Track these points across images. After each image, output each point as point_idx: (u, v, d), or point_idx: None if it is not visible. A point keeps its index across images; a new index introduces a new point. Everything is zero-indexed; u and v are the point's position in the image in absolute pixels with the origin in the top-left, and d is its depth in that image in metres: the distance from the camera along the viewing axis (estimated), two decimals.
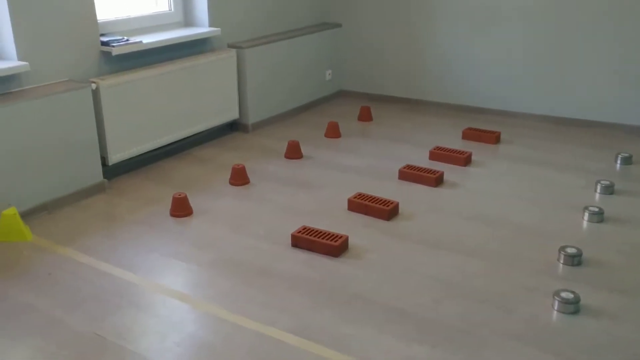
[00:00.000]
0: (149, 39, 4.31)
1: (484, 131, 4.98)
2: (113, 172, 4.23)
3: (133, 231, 3.51)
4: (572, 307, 2.70)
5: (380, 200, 3.68)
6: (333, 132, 5.10)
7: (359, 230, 3.46)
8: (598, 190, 3.94)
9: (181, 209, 3.68)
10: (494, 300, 2.82)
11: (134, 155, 4.28)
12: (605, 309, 2.73)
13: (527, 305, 2.77)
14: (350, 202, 3.73)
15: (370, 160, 4.57)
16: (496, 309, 2.75)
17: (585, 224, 3.55)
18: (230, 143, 5.02)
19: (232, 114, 5.10)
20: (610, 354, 2.45)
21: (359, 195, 3.77)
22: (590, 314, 2.70)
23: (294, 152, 4.61)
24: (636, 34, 4.87)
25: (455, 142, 4.89)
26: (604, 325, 2.63)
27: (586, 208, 3.60)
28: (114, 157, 4.10)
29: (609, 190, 3.92)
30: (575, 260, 3.08)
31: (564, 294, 2.73)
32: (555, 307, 2.72)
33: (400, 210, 3.69)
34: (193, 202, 3.78)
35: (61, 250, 3.29)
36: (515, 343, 2.52)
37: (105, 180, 4.05)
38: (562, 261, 3.11)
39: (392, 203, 3.65)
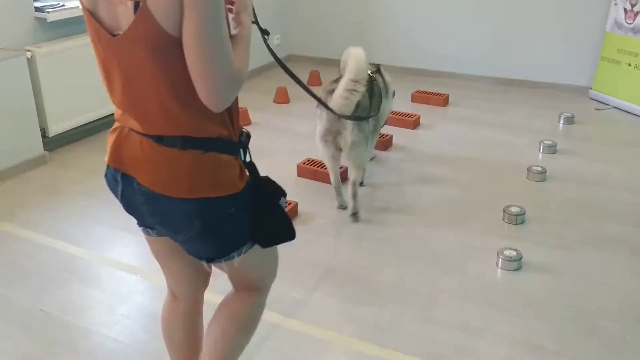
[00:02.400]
0: None
1: (433, 94, 5.02)
2: (55, 143, 4.09)
3: (78, 204, 3.42)
4: (515, 264, 2.78)
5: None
6: (282, 97, 5.06)
7: (308, 197, 3.46)
8: (541, 150, 4.03)
9: None
10: (442, 260, 2.88)
11: (77, 126, 4.15)
12: (546, 264, 2.83)
13: (473, 264, 2.84)
14: (299, 168, 3.72)
15: None
16: (443, 269, 2.80)
17: (528, 183, 3.64)
18: None
19: None
20: (551, 307, 2.54)
21: (308, 160, 3.76)
22: (532, 270, 2.79)
23: (242, 118, 4.54)
24: None
25: (404, 105, 4.90)
26: (545, 280, 2.72)
27: (530, 168, 3.68)
28: (55, 128, 3.96)
29: (551, 149, 4.02)
30: (518, 218, 3.17)
31: (507, 252, 2.81)
32: (500, 265, 2.80)
33: (349, 175, 3.70)
34: None
35: (1, 226, 3.19)
36: (462, 301, 2.58)
37: (47, 152, 3.92)
38: (506, 220, 3.19)
39: (340, 168, 3.65)
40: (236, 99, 1.45)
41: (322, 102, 2.61)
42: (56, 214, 3.31)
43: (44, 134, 3.91)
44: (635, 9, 4.58)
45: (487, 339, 2.35)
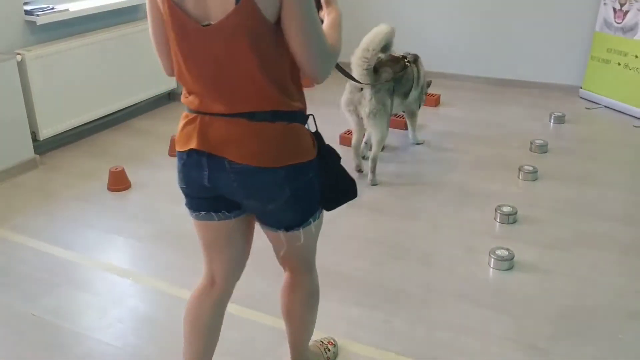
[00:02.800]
0: (76, 7, 4.12)
1: (426, 94, 5.02)
2: (46, 147, 4.07)
3: (69, 207, 3.41)
4: (507, 263, 2.79)
5: None
6: None
7: None
8: (532, 150, 4.05)
9: (119, 182, 3.59)
10: (433, 260, 2.89)
11: (67, 129, 4.13)
12: (538, 264, 2.84)
13: (465, 264, 2.85)
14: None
15: None
16: (436, 270, 2.81)
17: (520, 182, 3.66)
18: (168, 113, 4.91)
19: (169, 84, 4.96)
20: (543, 306, 2.55)
21: None
22: (524, 269, 2.80)
23: None
24: None
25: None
26: (537, 279, 2.74)
27: (521, 167, 3.70)
28: (45, 132, 3.94)
29: (542, 149, 4.04)
30: (510, 218, 3.18)
31: (499, 252, 2.82)
32: (492, 265, 2.81)
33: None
34: (131, 175, 3.69)
35: None
36: (453, 301, 2.59)
37: (37, 155, 3.91)
38: (498, 220, 3.20)
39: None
40: (299, 76, 1.64)
41: (343, 70, 2.72)
42: (48, 218, 3.30)
43: (34, 138, 3.89)
44: (625, 8, 4.61)
45: (480, 339, 2.36)
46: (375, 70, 3.49)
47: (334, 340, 2.30)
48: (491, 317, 2.49)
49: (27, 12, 3.86)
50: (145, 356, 2.30)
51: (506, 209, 3.20)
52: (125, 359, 2.30)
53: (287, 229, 1.72)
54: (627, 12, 4.60)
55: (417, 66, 3.93)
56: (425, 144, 4.20)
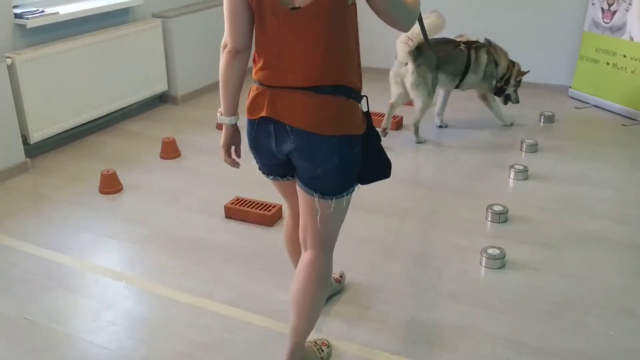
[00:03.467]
0: (66, 10, 4.11)
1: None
2: (36, 150, 4.06)
3: (61, 210, 3.40)
4: (499, 262, 2.81)
5: None
6: None
7: None
8: (523, 149, 4.08)
9: (110, 185, 3.58)
10: (426, 259, 2.90)
11: (58, 132, 4.12)
12: (529, 262, 2.86)
13: (457, 263, 2.86)
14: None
15: None
16: (428, 269, 2.83)
17: (511, 181, 3.68)
18: (160, 116, 4.91)
19: (161, 86, 4.97)
20: (534, 304, 2.57)
21: None
22: (515, 268, 2.82)
23: None
24: None
25: (386, 106, 4.92)
26: (529, 277, 2.76)
27: (512, 166, 3.72)
28: (36, 135, 3.93)
29: (533, 148, 4.07)
30: (501, 217, 3.20)
31: (490, 251, 2.84)
32: (483, 264, 2.83)
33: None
34: (123, 178, 3.68)
35: None
36: (446, 300, 2.61)
37: (28, 159, 3.89)
38: (489, 219, 3.22)
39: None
40: (359, 59, 1.88)
41: (424, 35, 2.78)
42: (40, 221, 3.29)
43: (25, 141, 3.88)
44: (612, 8, 4.65)
45: (472, 337, 2.38)
46: (419, 48, 3.99)
47: (328, 342, 2.31)
48: (483, 315, 2.50)
49: (16, 16, 3.85)
50: (139, 358, 2.29)
51: (497, 208, 3.22)
52: None
53: (323, 195, 1.90)
54: (615, 12, 4.64)
55: (477, 53, 4.27)
56: (415, 143, 4.22)
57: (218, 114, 1.98)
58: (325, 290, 2.09)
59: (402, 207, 3.40)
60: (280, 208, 3.26)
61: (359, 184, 1.98)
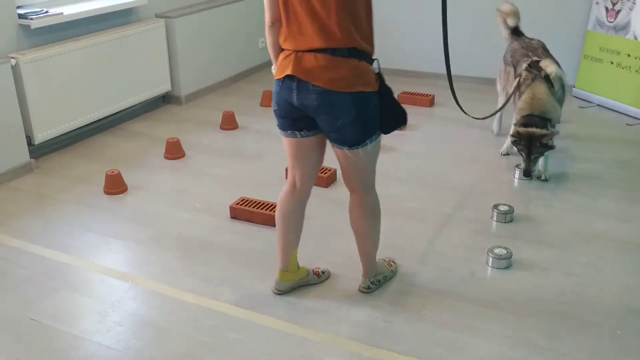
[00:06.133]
0: (70, 10, 4.11)
1: (419, 94, 5.05)
2: (41, 150, 4.06)
3: (65, 211, 3.40)
4: (505, 262, 2.80)
5: None
6: (268, 100, 5.04)
7: None
8: None
9: (115, 186, 3.58)
10: (433, 260, 2.90)
11: (62, 133, 4.11)
12: (535, 262, 2.85)
13: (463, 263, 2.86)
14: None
15: None
16: (435, 269, 2.82)
17: (516, 181, 3.67)
18: (163, 116, 4.90)
19: (164, 87, 4.96)
20: (541, 304, 2.56)
21: None
22: (521, 267, 2.82)
23: (229, 122, 4.55)
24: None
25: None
26: (536, 277, 2.75)
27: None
28: (40, 136, 3.93)
29: None
30: (507, 217, 3.20)
31: (497, 250, 2.84)
32: (490, 264, 2.82)
33: (338, 177, 3.71)
34: (128, 178, 3.68)
35: None
36: (453, 300, 2.60)
37: (33, 160, 3.89)
38: (495, 219, 3.21)
39: (329, 170, 3.67)
40: (372, 28, 2.18)
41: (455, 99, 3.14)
42: (45, 222, 3.29)
43: (29, 142, 3.88)
44: (616, 7, 4.64)
45: (480, 337, 2.37)
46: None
47: (394, 260, 2.81)
48: (491, 315, 2.50)
49: (20, 16, 3.85)
50: (147, 359, 2.29)
51: (503, 208, 3.21)
52: None
53: (351, 146, 2.24)
54: (619, 11, 4.63)
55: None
56: (420, 143, 4.22)
57: (272, 71, 2.34)
58: (377, 219, 2.50)
59: (407, 206, 3.39)
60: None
61: (383, 133, 2.30)
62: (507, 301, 2.59)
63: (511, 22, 4.13)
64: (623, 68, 4.63)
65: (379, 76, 2.23)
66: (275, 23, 2.23)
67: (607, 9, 4.71)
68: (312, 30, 2.11)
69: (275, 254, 2.68)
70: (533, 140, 3.42)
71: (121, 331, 2.45)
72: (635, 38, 4.52)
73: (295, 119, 2.27)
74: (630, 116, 4.59)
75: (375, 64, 2.21)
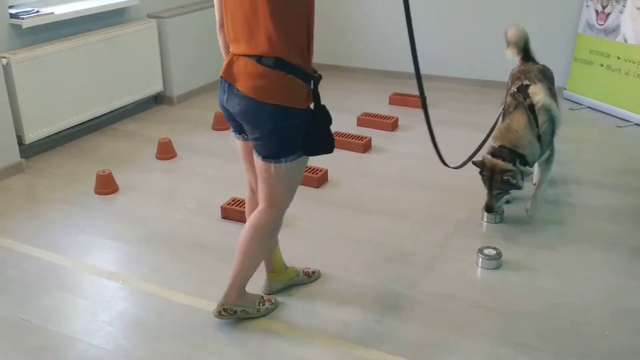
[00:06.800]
0: (61, 10, 4.10)
1: (411, 96, 5.06)
2: (31, 150, 4.05)
3: (56, 211, 3.39)
4: (495, 262, 2.82)
5: (309, 167, 3.69)
6: None
7: (294, 200, 3.46)
8: None
9: (106, 186, 3.57)
10: (422, 260, 2.91)
11: (53, 133, 4.10)
12: (525, 262, 2.87)
13: (454, 264, 2.87)
14: None
15: None
16: (425, 269, 2.83)
17: None
18: (155, 116, 4.90)
19: (156, 87, 4.96)
20: (531, 304, 2.58)
21: None
22: (511, 268, 2.83)
23: (221, 123, 4.55)
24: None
25: (382, 107, 4.94)
26: (525, 277, 2.77)
27: None
28: (31, 136, 3.92)
29: None
30: (497, 217, 3.21)
31: (486, 251, 2.85)
32: (480, 264, 2.84)
33: (329, 177, 3.72)
34: (119, 179, 3.68)
35: None
36: (444, 300, 2.61)
37: (23, 159, 3.88)
38: (485, 219, 3.23)
39: (321, 170, 3.67)
40: (312, 42, 2.12)
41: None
42: (35, 222, 3.28)
43: (20, 141, 3.87)
44: (607, 10, 4.67)
45: (469, 337, 2.38)
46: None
47: (275, 300, 2.55)
48: (481, 315, 2.51)
49: (12, 16, 3.83)
50: (137, 359, 2.29)
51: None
52: None
53: (264, 158, 2.16)
54: (609, 14, 4.67)
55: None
56: (412, 144, 4.23)
57: None
58: (264, 241, 2.34)
59: (398, 207, 3.40)
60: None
61: (305, 155, 2.19)
62: (497, 301, 2.60)
63: (513, 51, 3.77)
64: (613, 70, 4.66)
65: (314, 95, 2.13)
66: (223, 25, 2.21)
67: (597, 11, 4.75)
68: (243, 35, 2.07)
69: None
70: (495, 173, 3.02)
71: (111, 331, 2.45)
72: (625, 41, 4.56)
73: (234, 120, 2.23)
74: (621, 118, 4.63)
75: (311, 81, 2.11)
